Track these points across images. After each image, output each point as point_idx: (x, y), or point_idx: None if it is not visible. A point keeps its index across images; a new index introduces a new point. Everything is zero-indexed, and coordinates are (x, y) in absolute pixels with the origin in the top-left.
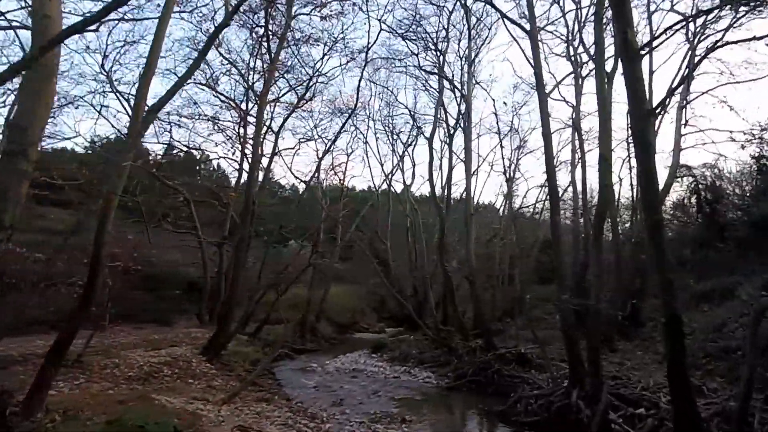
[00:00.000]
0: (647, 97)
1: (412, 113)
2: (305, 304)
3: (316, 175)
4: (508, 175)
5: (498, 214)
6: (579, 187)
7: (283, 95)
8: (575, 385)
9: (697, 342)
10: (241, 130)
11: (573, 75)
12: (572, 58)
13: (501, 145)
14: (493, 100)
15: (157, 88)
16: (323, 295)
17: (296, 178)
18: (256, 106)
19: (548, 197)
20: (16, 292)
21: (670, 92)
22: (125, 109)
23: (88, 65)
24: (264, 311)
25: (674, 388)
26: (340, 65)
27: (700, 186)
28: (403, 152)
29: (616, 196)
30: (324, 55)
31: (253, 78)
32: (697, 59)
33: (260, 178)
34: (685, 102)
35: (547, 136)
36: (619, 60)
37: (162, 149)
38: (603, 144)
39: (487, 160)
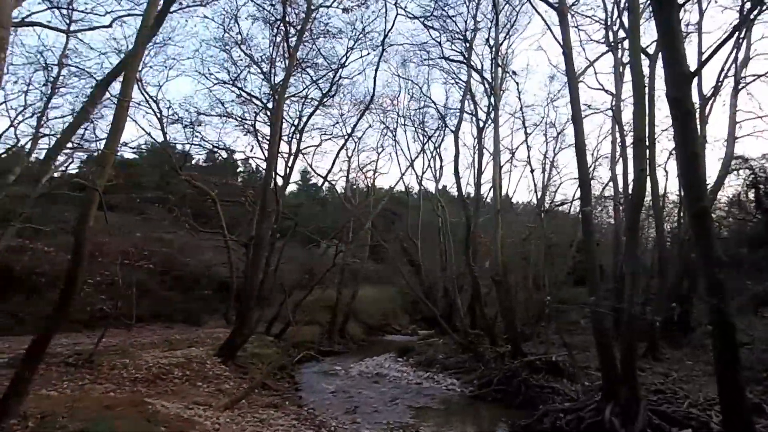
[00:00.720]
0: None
1: (438, 107)
2: (333, 306)
3: (344, 173)
4: (543, 170)
5: (534, 212)
6: (620, 183)
7: (304, 90)
8: (609, 399)
9: (756, 352)
10: (262, 127)
11: (612, 62)
12: (611, 44)
13: (526, 141)
14: (519, 92)
15: (186, 88)
16: (352, 296)
17: (318, 175)
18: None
19: (578, 187)
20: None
21: (717, 50)
22: (153, 111)
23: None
24: (299, 311)
25: (726, 405)
26: (361, 56)
27: (758, 179)
28: (434, 149)
29: (662, 190)
30: (349, 50)
31: (273, 73)
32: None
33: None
34: (740, 85)
35: (577, 120)
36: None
37: (204, 154)
38: (638, 124)
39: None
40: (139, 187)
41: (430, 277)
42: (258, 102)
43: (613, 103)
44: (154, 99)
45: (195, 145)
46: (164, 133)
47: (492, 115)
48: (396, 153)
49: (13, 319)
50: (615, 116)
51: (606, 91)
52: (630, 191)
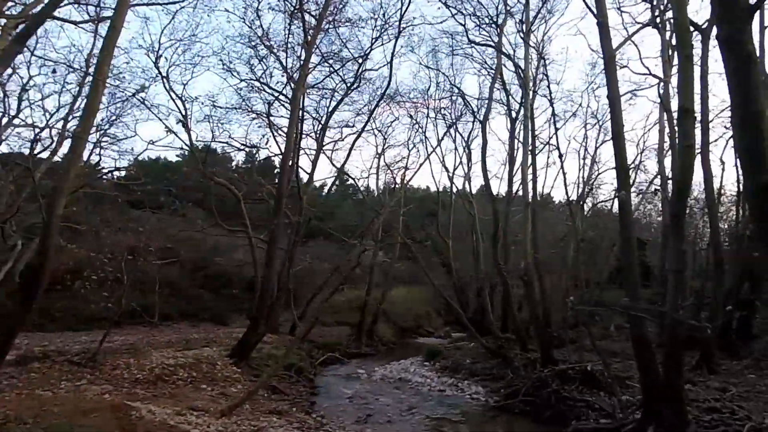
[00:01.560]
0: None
1: (467, 97)
2: (362, 307)
3: (375, 171)
4: (583, 165)
5: (578, 210)
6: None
7: (325, 80)
8: (651, 417)
9: None
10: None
11: (660, 44)
12: (659, 25)
13: (556, 133)
14: (548, 81)
15: (209, 86)
16: (381, 297)
17: (341, 171)
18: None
19: (615, 173)
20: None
21: None
22: (178, 108)
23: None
24: (326, 312)
25: None
26: (382, 46)
27: None
28: (465, 144)
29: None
30: (373, 40)
31: (287, 58)
32: None
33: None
34: None
35: (614, 99)
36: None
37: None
38: (683, 92)
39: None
40: (183, 189)
41: (464, 278)
42: (274, 93)
43: (661, 88)
44: (180, 96)
45: (221, 142)
46: (188, 131)
47: (523, 101)
48: (426, 149)
49: (46, 316)
50: (663, 102)
51: (653, 75)
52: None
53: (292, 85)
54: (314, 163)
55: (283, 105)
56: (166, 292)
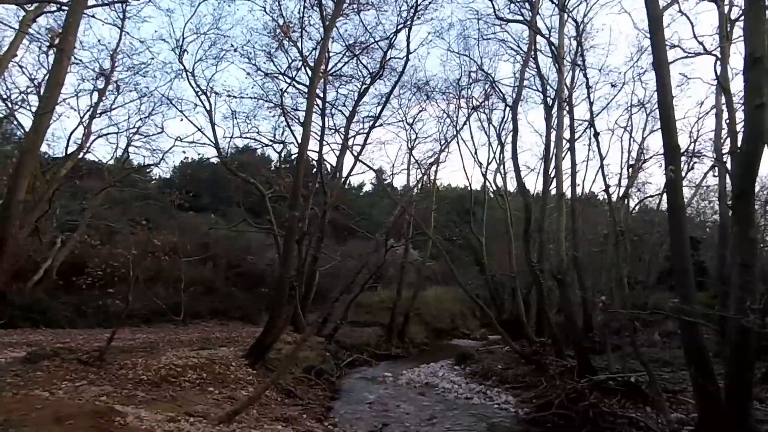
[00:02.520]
0: None
1: (497, 83)
2: (393, 307)
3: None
4: (629, 158)
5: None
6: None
7: (342, 67)
8: None
9: None
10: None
11: (718, 18)
12: None
13: (591, 122)
14: (583, 61)
15: (233, 81)
16: (412, 296)
17: (365, 165)
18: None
19: (663, 149)
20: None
21: None
22: (203, 104)
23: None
24: (358, 312)
25: None
26: (401, 23)
27: None
28: (498, 136)
29: None
30: (398, 26)
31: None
32: None
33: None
34: None
35: (661, 65)
36: None
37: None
38: (752, 37)
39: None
40: (224, 189)
41: (499, 277)
42: (287, 79)
43: (718, 67)
44: (205, 92)
45: (249, 138)
46: (213, 125)
47: (558, 86)
48: (458, 143)
49: (77, 313)
50: (721, 83)
51: (709, 52)
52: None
53: (309, 72)
54: (340, 157)
55: (302, 94)
56: (199, 290)
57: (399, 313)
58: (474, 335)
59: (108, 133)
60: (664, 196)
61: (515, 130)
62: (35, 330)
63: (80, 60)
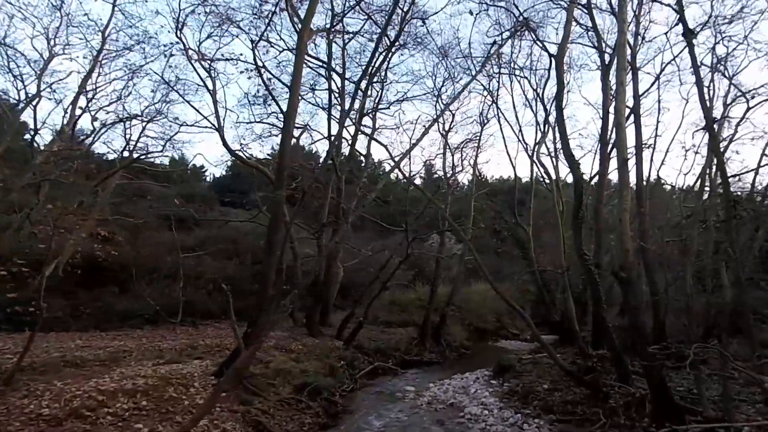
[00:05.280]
0: None
1: (543, 41)
2: (428, 305)
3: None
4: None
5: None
6: None
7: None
8: None
9: None
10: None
11: None
12: None
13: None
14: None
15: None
16: (450, 294)
17: (386, 150)
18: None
19: None
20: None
21: None
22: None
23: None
24: (391, 311)
25: None
26: None
27: None
28: (544, 107)
29: None
30: None
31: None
32: None
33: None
34: None
35: None
36: None
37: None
38: None
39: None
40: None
41: (549, 272)
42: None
43: None
44: (209, 72)
45: (265, 123)
46: (216, 108)
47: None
48: (500, 122)
49: (73, 315)
50: None
51: None
52: None
53: (298, 24)
54: (354, 137)
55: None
56: (216, 287)
57: (435, 311)
58: (524, 336)
59: (93, 109)
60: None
61: (560, 87)
62: None
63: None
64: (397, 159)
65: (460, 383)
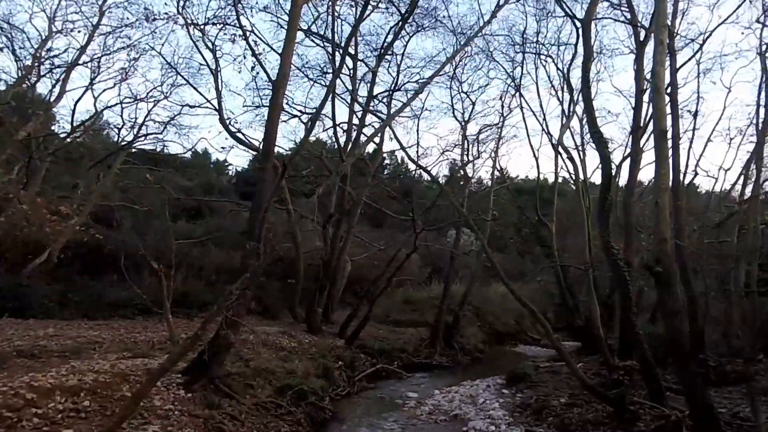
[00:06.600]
0: None
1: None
2: (440, 304)
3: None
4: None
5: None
6: None
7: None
8: None
9: None
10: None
11: None
12: None
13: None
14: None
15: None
16: (464, 294)
17: (397, 141)
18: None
19: None
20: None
21: None
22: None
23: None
24: (409, 310)
25: None
26: None
27: None
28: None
29: None
30: None
31: None
32: None
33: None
34: None
35: None
36: None
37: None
38: None
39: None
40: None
41: (575, 272)
42: None
43: None
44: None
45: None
46: (218, 90)
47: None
48: (522, 112)
49: (63, 303)
50: None
51: None
52: None
53: None
54: (362, 120)
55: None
56: (223, 278)
57: (449, 311)
58: (545, 341)
59: (77, 88)
60: None
61: (587, 53)
62: None
63: None
64: (410, 147)
65: (469, 391)
